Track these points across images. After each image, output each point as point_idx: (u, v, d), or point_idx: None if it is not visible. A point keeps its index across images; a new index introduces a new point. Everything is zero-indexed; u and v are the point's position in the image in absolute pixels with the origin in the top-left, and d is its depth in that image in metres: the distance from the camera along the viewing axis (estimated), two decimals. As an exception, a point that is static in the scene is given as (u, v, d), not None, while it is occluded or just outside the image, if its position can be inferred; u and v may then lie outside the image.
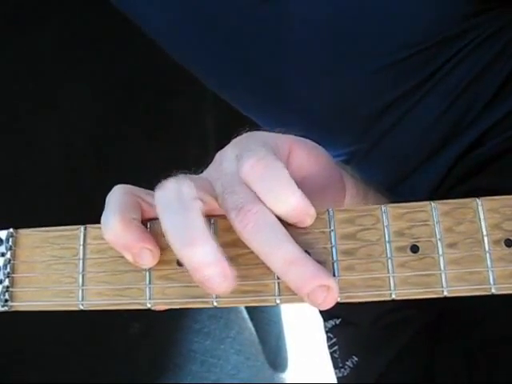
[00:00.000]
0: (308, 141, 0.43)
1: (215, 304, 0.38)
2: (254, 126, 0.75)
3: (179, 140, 0.86)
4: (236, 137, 0.41)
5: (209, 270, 0.35)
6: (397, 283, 0.38)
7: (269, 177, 0.36)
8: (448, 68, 0.59)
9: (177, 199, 0.36)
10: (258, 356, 0.84)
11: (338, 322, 0.57)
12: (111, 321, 0.76)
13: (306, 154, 0.42)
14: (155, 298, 0.38)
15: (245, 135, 0.41)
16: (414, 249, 0.38)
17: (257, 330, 0.86)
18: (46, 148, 0.82)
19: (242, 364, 0.82)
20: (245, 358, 0.82)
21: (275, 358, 0.90)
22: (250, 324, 0.86)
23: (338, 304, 0.55)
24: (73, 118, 0.84)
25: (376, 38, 0.59)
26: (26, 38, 0.82)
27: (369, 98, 0.62)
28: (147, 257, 0.38)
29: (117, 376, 0.80)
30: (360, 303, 0.53)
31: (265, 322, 0.91)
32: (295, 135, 0.42)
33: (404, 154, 0.63)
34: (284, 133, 0.42)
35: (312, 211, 0.37)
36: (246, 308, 0.86)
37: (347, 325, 0.56)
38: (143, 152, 0.84)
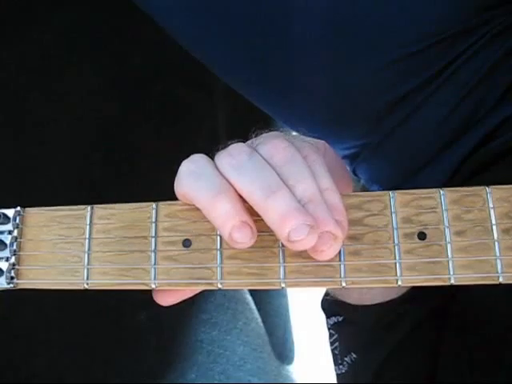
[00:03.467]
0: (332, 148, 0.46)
1: (219, 286, 0.38)
2: (263, 118, 0.75)
3: (190, 130, 0.86)
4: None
5: (296, 217, 0.35)
6: (403, 270, 0.38)
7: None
8: (461, 62, 0.59)
9: (249, 160, 0.37)
10: (264, 347, 0.84)
11: (340, 319, 0.57)
12: (118, 310, 0.76)
13: (335, 157, 0.45)
14: (160, 278, 0.39)
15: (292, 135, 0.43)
16: (422, 236, 0.38)
17: (264, 322, 0.86)
18: (56, 138, 0.82)
19: (248, 355, 0.82)
20: (251, 349, 0.82)
21: (282, 349, 0.90)
22: (257, 315, 0.86)
23: (340, 304, 0.56)
24: (83, 107, 0.84)
25: (388, 31, 0.59)
26: (35, 27, 0.83)
27: (381, 91, 0.61)
28: (246, 232, 0.37)
29: (123, 364, 0.80)
30: (362, 305, 0.54)
31: (272, 313, 0.91)
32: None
33: (415, 148, 0.63)
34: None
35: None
36: (254, 299, 0.86)
37: (349, 323, 0.56)
38: (153, 141, 0.84)
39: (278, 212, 0.36)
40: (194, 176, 0.38)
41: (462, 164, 0.60)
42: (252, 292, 0.86)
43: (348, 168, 0.70)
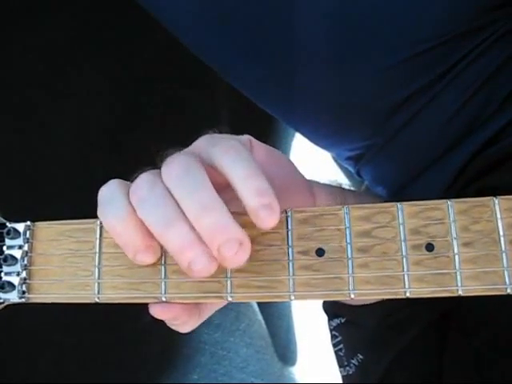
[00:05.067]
0: (267, 146, 0.45)
1: (230, 299, 0.38)
2: (265, 119, 0.75)
3: (192, 130, 0.86)
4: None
5: (192, 250, 0.36)
6: (411, 281, 0.38)
7: (239, 158, 0.39)
8: (465, 64, 0.58)
9: (149, 192, 0.38)
10: (267, 349, 0.84)
11: (342, 320, 0.57)
12: (121, 310, 0.76)
13: (266, 153, 0.44)
14: (170, 292, 0.39)
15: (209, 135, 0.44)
16: (430, 247, 0.38)
17: (267, 323, 0.86)
18: (60, 138, 0.82)
19: (251, 357, 0.82)
20: (254, 350, 0.82)
21: (284, 351, 0.90)
22: (260, 317, 0.86)
23: (341, 306, 0.56)
24: (86, 107, 0.84)
25: (391, 33, 0.58)
26: (40, 27, 0.82)
27: (384, 92, 0.61)
28: (150, 254, 0.39)
29: (126, 365, 0.80)
30: (364, 305, 0.54)
31: (275, 315, 0.91)
32: None
33: (418, 150, 0.63)
34: None
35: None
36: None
37: (352, 324, 0.56)
38: (156, 141, 0.84)
39: (174, 246, 0.37)
40: (103, 200, 0.39)
41: (466, 166, 0.60)
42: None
43: (352, 170, 0.70)
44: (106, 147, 0.84)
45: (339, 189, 0.53)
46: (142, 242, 0.38)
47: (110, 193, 0.39)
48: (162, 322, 0.80)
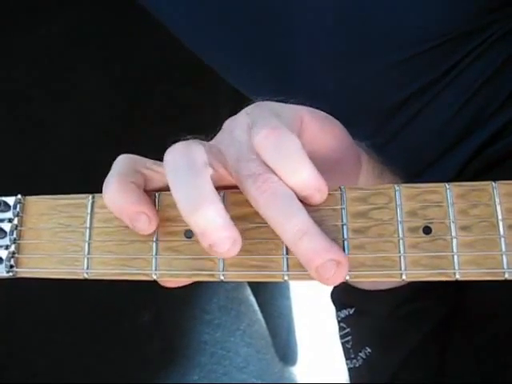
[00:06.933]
0: (322, 112, 0.41)
1: (221, 278, 0.38)
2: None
3: (192, 131, 0.86)
4: (247, 106, 0.40)
5: (217, 233, 0.34)
6: (408, 264, 0.37)
7: (282, 148, 0.35)
8: (466, 63, 0.59)
9: (187, 164, 0.36)
10: (267, 349, 0.84)
11: (351, 311, 0.56)
12: (121, 311, 0.76)
13: (319, 126, 0.41)
14: (161, 269, 0.38)
15: (256, 104, 0.40)
16: (427, 230, 0.38)
17: (267, 323, 0.86)
18: (60, 137, 0.83)
19: (251, 357, 0.82)
20: (255, 350, 0.82)
21: (285, 351, 0.89)
22: (260, 316, 0.85)
23: (351, 293, 0.55)
24: (86, 106, 0.84)
25: (392, 33, 0.59)
26: (40, 27, 0.83)
27: (384, 92, 0.61)
28: (143, 221, 0.37)
29: (126, 365, 0.80)
30: (375, 293, 0.53)
31: (275, 314, 0.90)
32: (308, 106, 0.41)
33: (419, 149, 0.63)
34: (296, 104, 0.40)
35: (323, 187, 0.36)
36: (257, 300, 0.86)
37: (361, 315, 0.55)
38: (157, 141, 0.84)
39: (198, 228, 0.35)
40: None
41: (466, 165, 0.60)
42: (255, 293, 0.86)
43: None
44: (105, 147, 0.84)
45: (378, 158, 0.50)
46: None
47: (113, 165, 0.38)
48: (161, 322, 0.80)
